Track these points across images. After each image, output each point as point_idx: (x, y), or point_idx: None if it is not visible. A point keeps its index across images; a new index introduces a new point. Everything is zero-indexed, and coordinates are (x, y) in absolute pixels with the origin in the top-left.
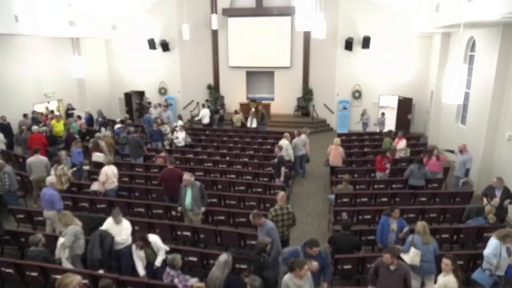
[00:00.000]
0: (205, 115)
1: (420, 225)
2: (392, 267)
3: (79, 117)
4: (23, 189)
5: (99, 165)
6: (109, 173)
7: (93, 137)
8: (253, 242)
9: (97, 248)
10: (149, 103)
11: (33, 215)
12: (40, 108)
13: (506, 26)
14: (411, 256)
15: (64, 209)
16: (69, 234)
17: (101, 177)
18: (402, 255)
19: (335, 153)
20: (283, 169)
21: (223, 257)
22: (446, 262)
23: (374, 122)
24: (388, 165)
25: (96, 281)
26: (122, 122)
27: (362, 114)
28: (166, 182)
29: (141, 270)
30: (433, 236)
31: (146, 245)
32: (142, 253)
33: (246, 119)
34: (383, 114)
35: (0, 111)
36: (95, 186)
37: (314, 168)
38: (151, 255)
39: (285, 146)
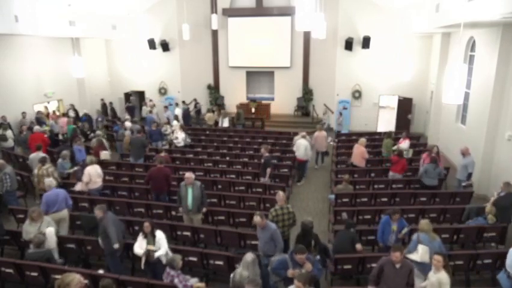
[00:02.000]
0: (179, 114)
1: (424, 223)
2: (397, 265)
3: (64, 114)
4: (23, 189)
5: (105, 163)
6: (92, 173)
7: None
8: (253, 242)
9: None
10: (129, 102)
11: None
12: (40, 107)
13: (506, 26)
14: (421, 254)
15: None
16: (52, 221)
17: (85, 178)
18: (409, 256)
19: (356, 152)
20: (269, 170)
21: (250, 256)
22: (438, 259)
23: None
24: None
25: (96, 281)
26: (118, 119)
27: (324, 114)
28: (153, 181)
29: (138, 250)
30: None
31: (152, 231)
32: (144, 243)
33: (245, 118)
34: (341, 114)
35: (0, 111)
36: (78, 187)
37: (314, 168)
38: (152, 253)
39: (304, 146)
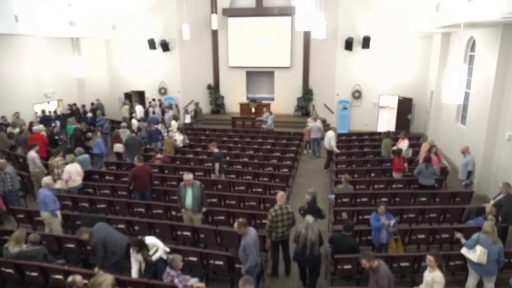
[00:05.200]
0: (139, 111)
1: (489, 224)
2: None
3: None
4: (23, 189)
5: (118, 155)
6: (72, 171)
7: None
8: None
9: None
10: (92, 104)
11: (33, 215)
12: (39, 108)
13: (506, 26)
14: (479, 255)
15: (62, 209)
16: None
17: (65, 176)
18: (466, 252)
19: (423, 151)
20: (217, 165)
21: (310, 218)
22: (429, 259)
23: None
24: (405, 165)
25: None
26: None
27: (265, 111)
28: (137, 180)
29: (134, 273)
30: (433, 236)
31: (142, 249)
32: (139, 256)
33: (243, 118)
34: (270, 113)
35: (0, 111)
36: (58, 185)
37: (314, 168)
38: (149, 258)
39: (329, 137)
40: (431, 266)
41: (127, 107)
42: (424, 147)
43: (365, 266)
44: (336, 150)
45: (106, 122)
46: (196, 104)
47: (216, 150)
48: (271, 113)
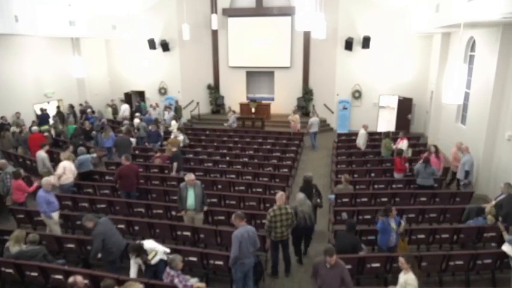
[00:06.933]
0: (125, 110)
1: None
2: (328, 265)
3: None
4: None
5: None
6: (67, 167)
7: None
8: None
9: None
10: (81, 105)
11: (33, 215)
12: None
13: (506, 26)
14: None
15: (62, 209)
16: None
17: (59, 170)
18: (509, 251)
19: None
20: (175, 164)
21: (301, 194)
22: (401, 260)
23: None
24: (406, 165)
25: (96, 281)
26: (93, 111)
27: (228, 111)
28: (123, 179)
29: (133, 274)
30: (433, 236)
31: (141, 254)
32: (138, 259)
33: (243, 118)
34: (234, 112)
35: (0, 111)
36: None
37: (314, 168)
38: (148, 262)
39: (359, 134)
40: (404, 267)
41: (109, 109)
42: (454, 153)
43: (331, 262)
44: (362, 148)
45: (96, 120)
46: (176, 102)
47: (174, 149)
48: (234, 112)
